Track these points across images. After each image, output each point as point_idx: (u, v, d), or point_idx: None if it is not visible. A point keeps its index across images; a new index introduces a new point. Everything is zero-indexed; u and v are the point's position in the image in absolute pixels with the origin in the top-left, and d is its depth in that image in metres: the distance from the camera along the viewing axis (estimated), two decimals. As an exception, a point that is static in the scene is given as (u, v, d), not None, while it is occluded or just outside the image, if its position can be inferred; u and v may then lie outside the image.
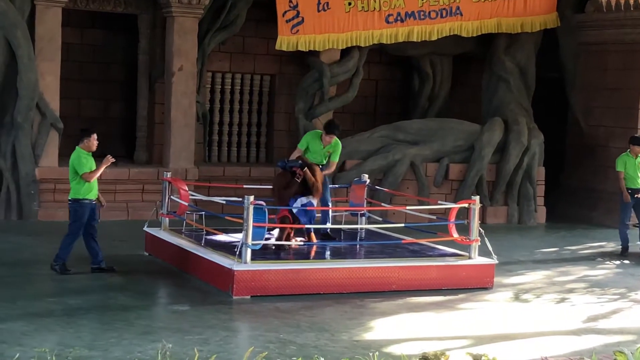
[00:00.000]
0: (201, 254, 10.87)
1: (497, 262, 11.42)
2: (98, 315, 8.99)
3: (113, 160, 11.11)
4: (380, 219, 13.66)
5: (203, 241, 11.28)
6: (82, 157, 10.82)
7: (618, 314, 10.24)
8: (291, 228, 11.15)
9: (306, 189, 11.38)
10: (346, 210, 13.18)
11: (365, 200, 13.06)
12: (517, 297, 10.89)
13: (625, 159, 14.18)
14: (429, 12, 16.93)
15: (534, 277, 12.24)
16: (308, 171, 11.33)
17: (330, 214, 12.46)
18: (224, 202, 12.47)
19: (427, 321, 9.54)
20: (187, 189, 12.19)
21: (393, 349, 8.23)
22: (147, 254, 12.33)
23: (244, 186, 13.51)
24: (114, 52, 17.25)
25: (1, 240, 12.90)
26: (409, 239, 11.80)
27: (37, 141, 14.85)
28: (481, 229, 11.28)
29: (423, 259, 11.29)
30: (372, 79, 19.16)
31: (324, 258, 11.45)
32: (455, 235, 11.23)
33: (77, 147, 10.96)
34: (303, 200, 11.25)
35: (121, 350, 7.75)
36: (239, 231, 10.41)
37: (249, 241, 10.10)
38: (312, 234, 11.58)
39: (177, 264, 11.46)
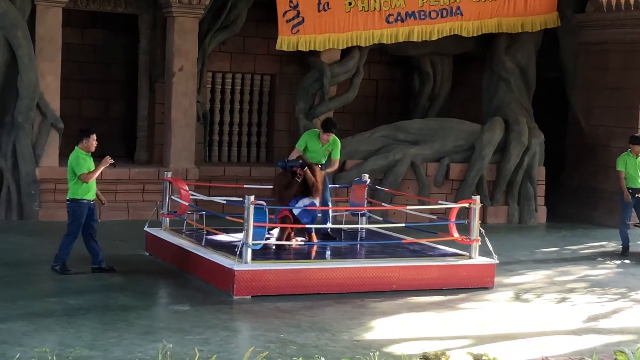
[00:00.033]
0: (202, 254, 10.87)
1: (497, 261, 11.42)
2: (98, 315, 8.99)
3: (112, 161, 11.07)
4: (381, 218, 13.66)
5: (203, 241, 11.28)
6: (81, 158, 10.81)
7: (619, 314, 10.24)
8: (291, 228, 11.15)
9: (306, 189, 11.38)
10: (347, 210, 13.18)
11: (366, 200, 13.06)
12: (517, 297, 10.89)
13: (626, 158, 14.18)
14: (430, 12, 16.92)
15: (535, 276, 12.24)
16: (308, 171, 11.33)
17: (331, 213, 12.46)
18: (225, 202, 12.47)
19: (428, 321, 9.54)
20: (187, 189, 12.19)
21: (394, 349, 8.23)
22: (148, 254, 12.33)
23: (245, 186, 13.51)
24: (115, 52, 17.25)
25: (2, 240, 12.91)
26: (409, 239, 11.80)
27: (38, 141, 14.85)
28: (482, 229, 11.28)
29: (423, 259, 11.29)
30: (373, 78, 19.16)
31: (325, 258, 11.44)
32: (456, 235, 11.22)
33: (76, 147, 10.95)
34: (305, 201, 11.24)
35: (121, 350, 7.75)
36: (240, 231, 10.41)
37: (250, 241, 10.10)
38: (313, 234, 11.58)
39: (178, 264, 11.46)
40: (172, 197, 12.29)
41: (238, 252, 10.17)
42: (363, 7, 16.52)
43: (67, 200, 10.93)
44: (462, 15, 17.10)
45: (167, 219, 12.30)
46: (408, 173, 16.62)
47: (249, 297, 10.03)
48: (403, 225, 12.66)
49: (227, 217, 11.58)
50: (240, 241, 10.19)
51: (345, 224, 13.00)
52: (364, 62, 17.40)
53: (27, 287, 10.35)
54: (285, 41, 16.24)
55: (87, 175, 10.76)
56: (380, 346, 8.28)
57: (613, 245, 14.90)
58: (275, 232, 11.37)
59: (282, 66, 17.86)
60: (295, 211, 11.10)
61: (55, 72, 14.96)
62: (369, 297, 10.37)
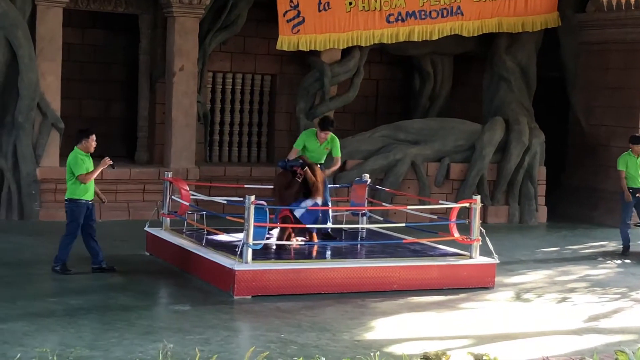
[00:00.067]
0: (202, 254, 10.87)
1: (498, 261, 11.42)
2: (99, 316, 8.99)
3: (110, 162, 11.04)
4: (382, 218, 13.66)
5: (204, 241, 11.28)
6: (79, 158, 10.79)
7: (619, 314, 10.23)
8: (292, 228, 11.15)
9: (307, 189, 11.37)
10: (347, 210, 13.17)
11: (366, 200, 13.05)
12: (518, 297, 10.88)
13: (627, 158, 14.18)
14: (430, 12, 16.92)
15: (535, 276, 12.24)
16: (309, 170, 11.33)
17: (331, 213, 12.46)
18: (225, 202, 12.47)
19: (428, 321, 9.54)
20: (188, 189, 12.19)
21: (394, 349, 8.23)
22: (148, 254, 12.33)
23: (245, 186, 13.52)
24: (115, 52, 17.26)
25: (2, 241, 12.91)
26: (410, 239, 11.80)
27: (38, 141, 14.85)
28: (482, 229, 11.28)
29: (424, 259, 11.29)
30: (373, 78, 19.16)
31: (325, 258, 11.44)
32: (456, 234, 11.22)
33: (75, 147, 10.93)
34: (308, 202, 11.23)
35: (122, 351, 7.75)
36: (240, 231, 10.41)
37: (250, 241, 10.10)
38: (314, 234, 11.58)
39: (178, 264, 11.46)
40: (172, 197, 12.29)
41: (239, 252, 10.16)
42: (363, 6, 16.52)
43: (65, 200, 10.93)
44: (462, 15, 17.10)
45: (168, 219, 12.30)
46: (409, 173, 16.61)
47: (250, 297, 10.03)
48: (404, 225, 12.65)
49: (228, 217, 11.58)
50: (240, 241, 10.19)
51: (345, 223, 13.00)
52: (364, 62, 17.40)
53: (28, 287, 10.35)
54: (286, 41, 16.24)
55: (85, 176, 10.75)
56: (381, 346, 8.28)
57: (614, 245, 14.90)
58: (276, 232, 11.37)
59: (283, 66, 17.86)
60: (298, 214, 11.07)
61: (55, 72, 14.96)
62: (370, 297, 10.37)
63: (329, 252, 11.70)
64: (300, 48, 16.35)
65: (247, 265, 10.11)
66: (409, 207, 13.06)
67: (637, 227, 14.78)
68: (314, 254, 11.52)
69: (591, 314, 10.10)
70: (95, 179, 10.98)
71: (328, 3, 16.31)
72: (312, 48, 16.43)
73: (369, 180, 13.10)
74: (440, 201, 13.19)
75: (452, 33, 17.16)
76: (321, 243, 11.81)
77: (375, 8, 16.58)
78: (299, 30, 16.24)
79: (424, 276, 10.92)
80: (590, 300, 10.84)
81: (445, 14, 17.01)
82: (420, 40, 17.06)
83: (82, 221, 10.81)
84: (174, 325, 8.75)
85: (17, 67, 14.58)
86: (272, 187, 11.89)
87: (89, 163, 10.88)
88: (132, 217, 15.27)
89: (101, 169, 10.97)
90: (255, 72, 17.82)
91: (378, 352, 7.34)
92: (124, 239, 13.35)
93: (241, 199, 10.50)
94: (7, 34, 14.50)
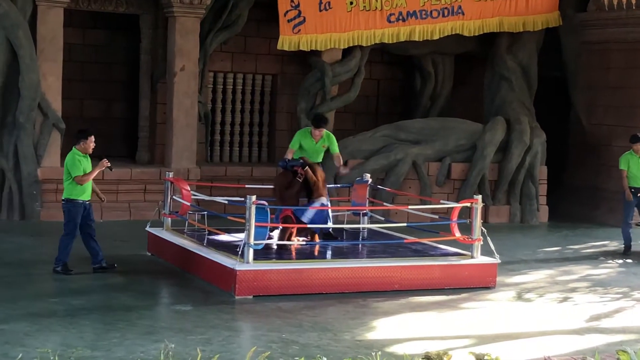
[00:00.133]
0: (203, 254, 10.87)
1: (499, 261, 11.41)
2: (100, 316, 8.99)
3: (108, 164, 11.02)
4: (383, 218, 13.66)
5: (205, 241, 11.28)
6: (77, 159, 10.76)
7: (621, 313, 10.23)
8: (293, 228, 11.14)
9: (308, 189, 11.37)
10: (348, 210, 13.16)
11: (368, 200, 13.04)
12: (519, 297, 10.88)
13: (629, 157, 14.18)
14: (431, 12, 16.92)
15: (537, 276, 12.23)
16: (309, 170, 11.33)
17: (331, 213, 12.45)
18: (226, 202, 12.46)
19: (430, 321, 9.53)
20: (189, 189, 12.18)
21: (396, 349, 8.23)
22: (150, 254, 12.33)
23: (246, 186, 13.52)
24: (116, 53, 17.26)
25: (3, 241, 12.91)
26: (411, 239, 11.79)
27: (39, 141, 14.85)
28: (483, 228, 11.27)
29: (425, 259, 11.29)
30: (374, 78, 19.15)
31: (326, 258, 11.44)
32: (458, 234, 11.21)
33: (73, 147, 10.91)
34: (316, 203, 11.21)
35: (124, 351, 7.75)
36: (241, 231, 10.41)
37: (251, 241, 10.10)
38: (316, 234, 11.57)
39: (180, 264, 11.46)
40: (173, 197, 12.29)
41: (240, 252, 10.16)
42: (364, 6, 16.52)
43: (62, 200, 10.92)
44: (463, 14, 17.10)
45: (169, 219, 12.30)
46: (410, 172, 16.61)
47: (251, 297, 10.03)
48: (405, 224, 12.64)
49: (229, 217, 11.57)
50: (242, 241, 10.19)
51: (347, 223, 12.98)
52: (365, 62, 17.40)
53: (29, 287, 10.35)
54: (287, 41, 16.24)
55: (82, 177, 10.72)
56: (383, 346, 8.28)
57: (615, 245, 14.89)
58: (276, 232, 11.35)
59: (284, 66, 17.85)
60: (306, 219, 11.05)
61: (56, 73, 14.96)
62: (371, 296, 10.36)
63: (330, 252, 11.70)
64: (301, 48, 16.35)
65: (248, 265, 10.11)
66: (410, 207, 13.04)
67: (638, 227, 14.77)
68: (316, 253, 11.51)
69: (593, 314, 10.10)
70: (96, 179, 10.99)
71: (329, 3, 16.31)
72: (313, 48, 16.43)
73: (370, 180, 13.08)
74: (441, 201, 13.19)
75: (453, 33, 17.16)
76: (322, 243, 11.80)
77: (376, 8, 16.58)
78: (299, 30, 16.24)
79: (425, 276, 10.92)
80: (591, 300, 10.84)
81: (446, 14, 17.01)
82: (421, 39, 17.06)
83: (79, 221, 10.81)
84: (176, 325, 8.75)
85: (18, 68, 14.58)
86: (272, 187, 11.89)
87: (87, 164, 10.86)
88: (133, 217, 15.27)
89: (98, 170, 10.96)
90: (256, 72, 17.82)
91: (379, 352, 7.33)
92: (125, 239, 13.35)
93: (242, 199, 10.49)
94: (8, 34, 14.50)
